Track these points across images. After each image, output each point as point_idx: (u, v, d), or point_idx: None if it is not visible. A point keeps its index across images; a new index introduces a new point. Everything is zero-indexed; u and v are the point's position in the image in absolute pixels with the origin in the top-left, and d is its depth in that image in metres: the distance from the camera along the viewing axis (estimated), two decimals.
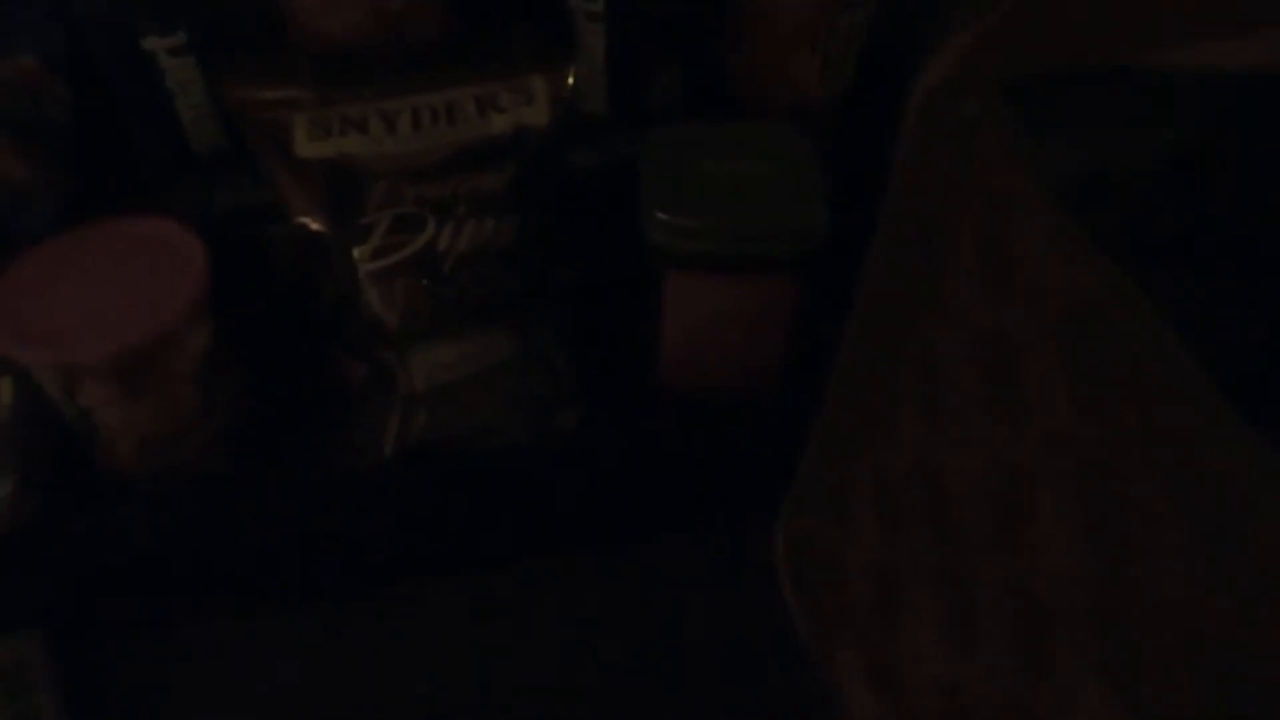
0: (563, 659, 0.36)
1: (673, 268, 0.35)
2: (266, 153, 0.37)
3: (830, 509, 0.33)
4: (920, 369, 0.26)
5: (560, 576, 0.38)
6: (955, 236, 0.22)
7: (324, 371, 0.39)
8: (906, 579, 0.29)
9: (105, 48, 0.40)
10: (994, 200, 0.21)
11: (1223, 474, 0.17)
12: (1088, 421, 0.20)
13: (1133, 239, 0.25)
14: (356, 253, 0.35)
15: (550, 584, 0.38)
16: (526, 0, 0.42)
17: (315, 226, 0.36)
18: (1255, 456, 0.17)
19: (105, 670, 0.36)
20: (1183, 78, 0.23)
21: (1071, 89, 0.22)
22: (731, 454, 0.38)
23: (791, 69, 0.46)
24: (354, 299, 0.36)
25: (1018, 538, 0.23)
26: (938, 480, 0.27)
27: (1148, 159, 0.25)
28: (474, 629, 0.37)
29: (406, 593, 0.37)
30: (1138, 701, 0.20)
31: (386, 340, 0.36)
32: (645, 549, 0.39)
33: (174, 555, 0.36)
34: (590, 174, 0.42)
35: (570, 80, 0.39)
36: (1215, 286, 0.26)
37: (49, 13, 0.46)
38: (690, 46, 0.45)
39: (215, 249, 0.36)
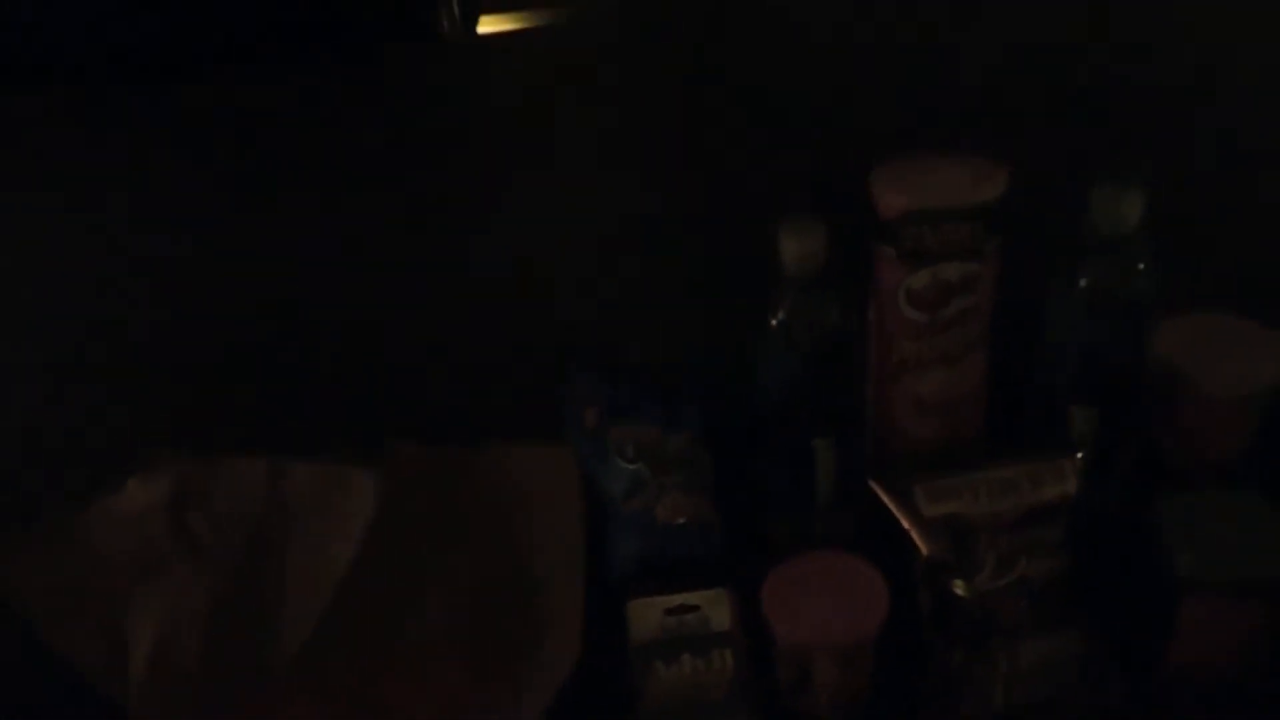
0: None
1: (1187, 592, 0.55)
2: (900, 510, 0.60)
3: None
4: None
5: None
6: None
7: (925, 656, 0.59)
8: None
9: (782, 442, 0.65)
10: None
11: None
12: None
13: None
14: (976, 579, 0.57)
15: None
16: (1040, 409, 0.65)
17: (942, 559, 0.58)
18: None
19: None
20: None
21: None
22: None
23: (1217, 438, 0.66)
24: (970, 608, 0.57)
25: None
26: None
27: None
28: None
29: None
30: None
31: (994, 635, 0.57)
32: None
33: None
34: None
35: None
36: None
37: (698, 405, 0.74)
38: (1143, 424, 0.66)
39: None
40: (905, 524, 0.60)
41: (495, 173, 0.67)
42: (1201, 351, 0.64)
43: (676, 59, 0.65)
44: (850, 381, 0.65)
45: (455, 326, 0.74)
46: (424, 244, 0.71)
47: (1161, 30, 0.62)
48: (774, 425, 0.65)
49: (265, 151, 0.66)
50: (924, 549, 0.59)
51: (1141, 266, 0.60)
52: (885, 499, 0.61)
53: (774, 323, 0.62)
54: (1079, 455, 0.60)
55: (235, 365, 0.71)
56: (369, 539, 0.68)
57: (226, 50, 0.51)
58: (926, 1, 0.61)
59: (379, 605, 0.66)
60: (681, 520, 0.67)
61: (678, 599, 0.64)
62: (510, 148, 0.66)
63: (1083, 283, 0.61)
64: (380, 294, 0.71)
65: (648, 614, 0.64)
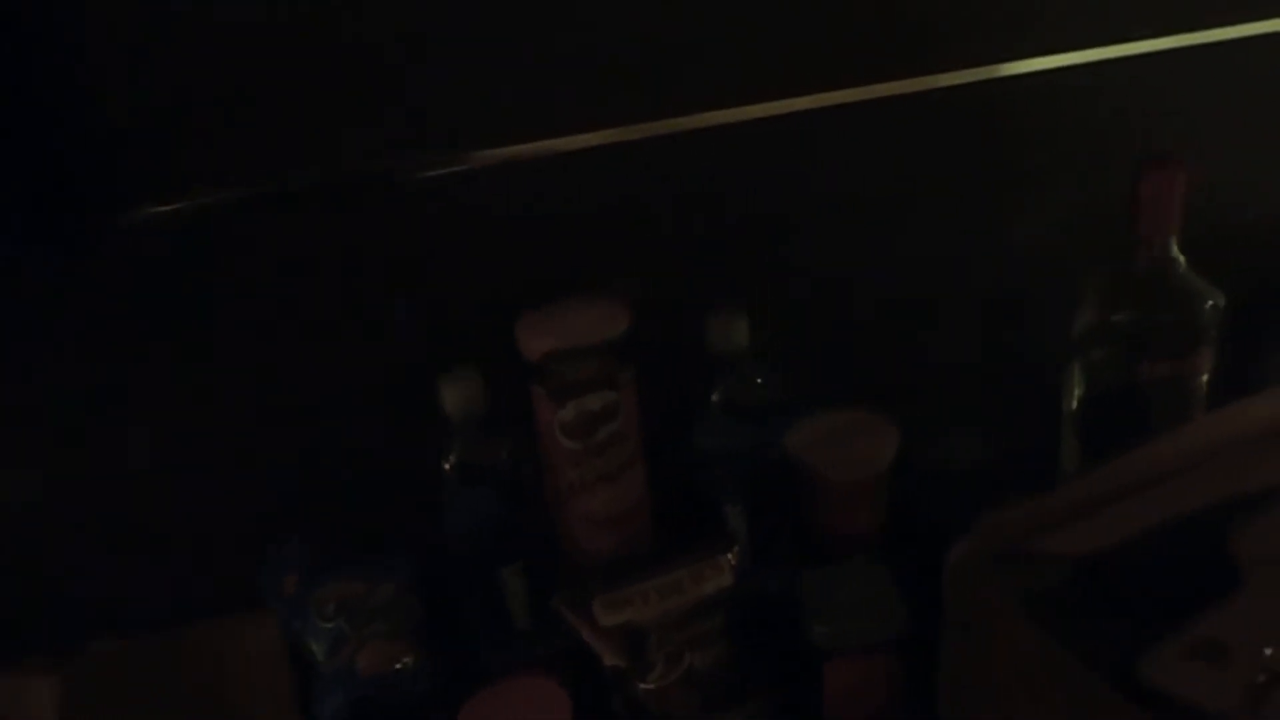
0: None
1: (827, 658, 0.62)
2: (581, 624, 0.65)
3: None
4: None
5: None
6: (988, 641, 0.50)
7: None
8: None
9: (466, 575, 0.69)
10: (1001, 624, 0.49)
11: None
12: None
13: None
14: (649, 679, 0.62)
15: None
16: (698, 510, 0.73)
17: (620, 666, 0.63)
18: None
19: None
20: None
21: None
22: None
23: (850, 517, 0.76)
24: (648, 706, 0.62)
25: None
26: None
27: None
28: None
29: None
30: None
31: None
32: None
33: None
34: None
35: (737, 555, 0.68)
36: None
37: (404, 554, 0.76)
38: (787, 512, 0.76)
39: None
40: (586, 637, 0.64)
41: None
42: (827, 445, 0.74)
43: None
44: (533, 510, 0.70)
45: (150, 506, 0.74)
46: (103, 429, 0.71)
47: (736, 185, 0.75)
48: (467, 560, 0.69)
49: None
50: (604, 658, 0.63)
51: (759, 380, 0.70)
52: (567, 616, 0.65)
53: (447, 467, 0.66)
54: (735, 549, 0.68)
55: None
56: None
57: None
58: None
59: None
60: (385, 669, 0.68)
61: None
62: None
63: (714, 396, 0.70)
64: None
65: None
